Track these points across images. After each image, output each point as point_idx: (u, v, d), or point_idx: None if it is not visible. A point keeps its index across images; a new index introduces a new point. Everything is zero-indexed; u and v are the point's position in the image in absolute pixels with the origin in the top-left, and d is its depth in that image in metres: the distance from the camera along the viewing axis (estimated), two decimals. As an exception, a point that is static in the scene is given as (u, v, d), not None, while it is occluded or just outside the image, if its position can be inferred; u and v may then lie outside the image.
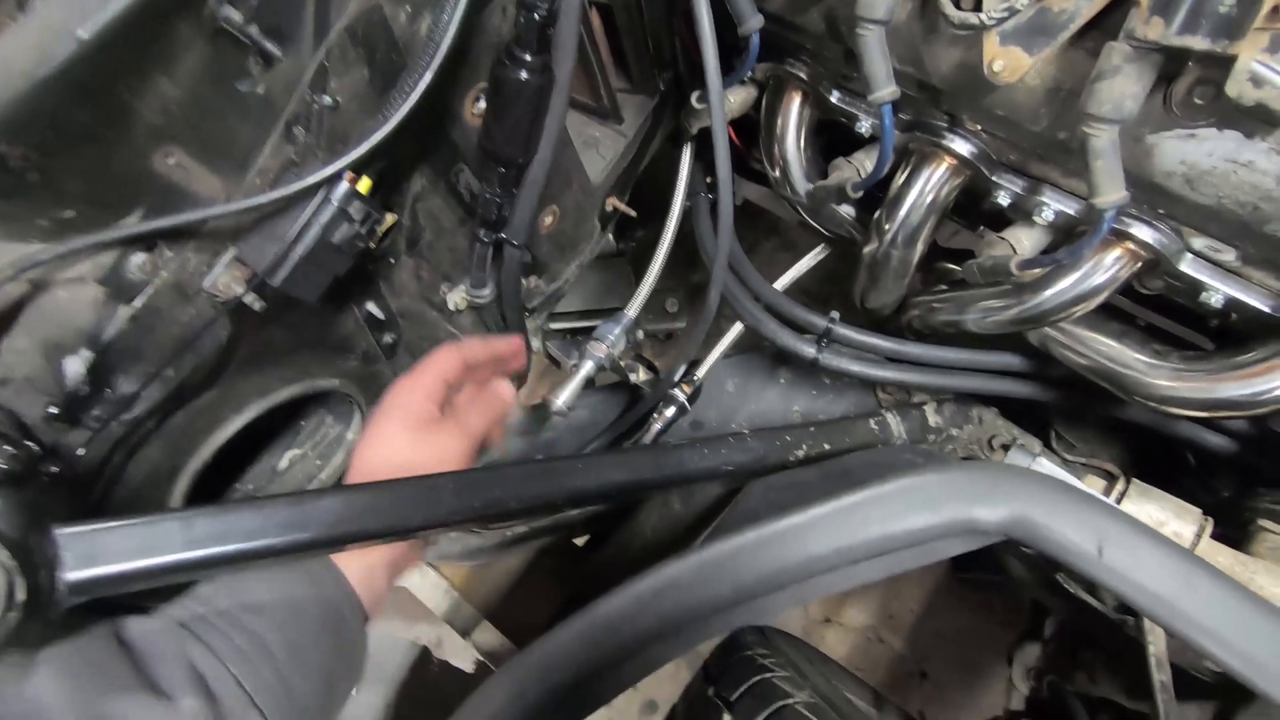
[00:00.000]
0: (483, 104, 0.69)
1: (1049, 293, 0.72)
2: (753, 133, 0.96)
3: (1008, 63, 0.57)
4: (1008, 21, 0.56)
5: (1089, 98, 0.54)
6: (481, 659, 1.12)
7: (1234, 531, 0.77)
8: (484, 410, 0.70)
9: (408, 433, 0.62)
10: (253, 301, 0.55)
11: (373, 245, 0.67)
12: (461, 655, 1.13)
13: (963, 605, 1.56)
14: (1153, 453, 0.98)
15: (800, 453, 0.74)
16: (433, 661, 1.13)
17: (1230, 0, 0.46)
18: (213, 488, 0.79)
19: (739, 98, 0.87)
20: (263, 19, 0.51)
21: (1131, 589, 0.45)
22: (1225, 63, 0.48)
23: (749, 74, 0.85)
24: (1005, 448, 0.69)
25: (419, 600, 1.15)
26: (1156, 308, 0.80)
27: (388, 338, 0.77)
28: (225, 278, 0.54)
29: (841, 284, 1.28)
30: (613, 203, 1.04)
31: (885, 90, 0.62)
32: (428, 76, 0.53)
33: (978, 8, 0.58)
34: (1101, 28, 0.56)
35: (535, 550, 1.31)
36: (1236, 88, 0.48)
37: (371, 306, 0.72)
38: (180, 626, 0.48)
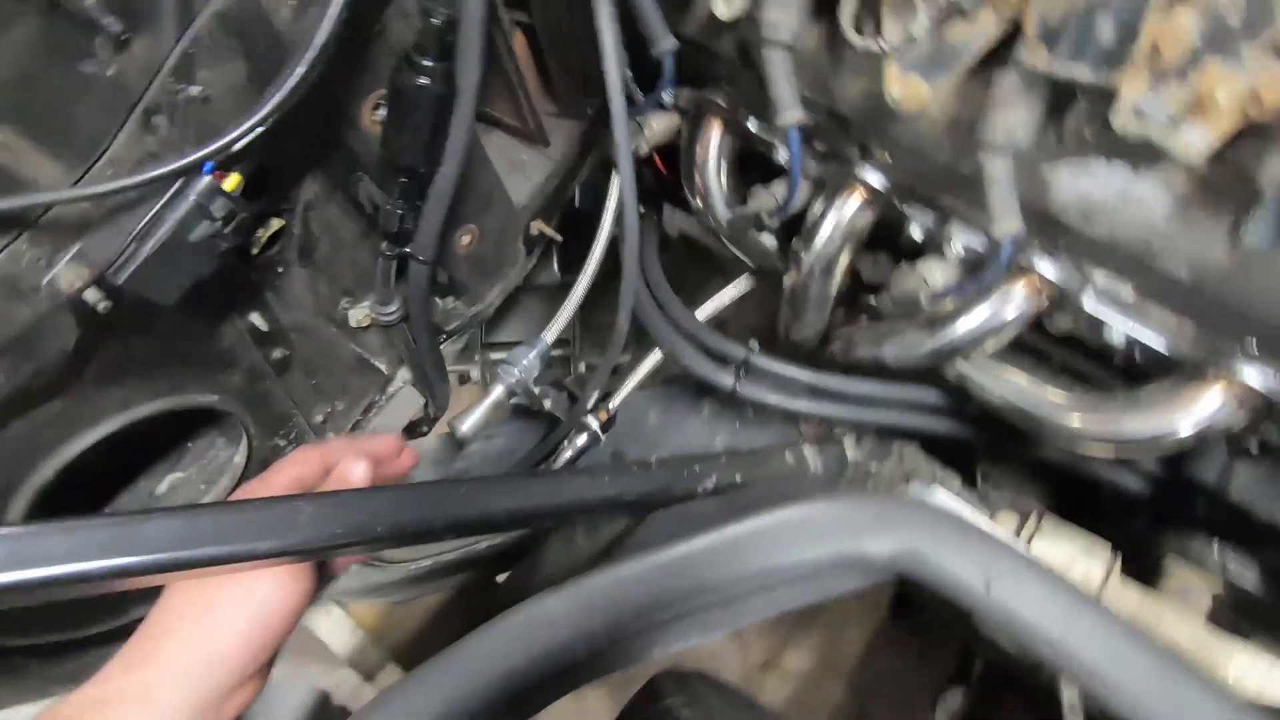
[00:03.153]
0: (383, 112, 0.67)
1: (960, 326, 0.72)
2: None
3: (908, 92, 0.57)
4: (907, 51, 0.56)
5: (983, 125, 0.54)
6: (384, 706, 1.04)
7: (1146, 570, 0.76)
8: None
9: None
10: (97, 301, 0.50)
11: (252, 250, 0.63)
12: (364, 701, 1.05)
13: (902, 649, 1.53)
14: (1073, 494, 0.99)
15: (709, 484, 0.71)
16: (331, 708, 1.05)
17: (1111, 32, 0.47)
18: (75, 511, 0.73)
19: (662, 124, 0.86)
20: (109, -4, 0.47)
21: (1019, 627, 0.43)
22: (1110, 95, 0.48)
23: (670, 100, 0.84)
24: (909, 480, 0.67)
25: (320, 640, 1.07)
26: (1072, 347, 0.80)
27: (276, 353, 0.72)
28: (67, 274, 0.49)
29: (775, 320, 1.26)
30: (538, 226, 1.01)
31: (791, 113, 0.62)
32: (300, 70, 0.50)
33: (879, 35, 0.58)
34: (1000, 60, 0.56)
35: (453, 589, 1.24)
36: (1121, 121, 0.48)
37: (255, 318, 0.68)
38: None
